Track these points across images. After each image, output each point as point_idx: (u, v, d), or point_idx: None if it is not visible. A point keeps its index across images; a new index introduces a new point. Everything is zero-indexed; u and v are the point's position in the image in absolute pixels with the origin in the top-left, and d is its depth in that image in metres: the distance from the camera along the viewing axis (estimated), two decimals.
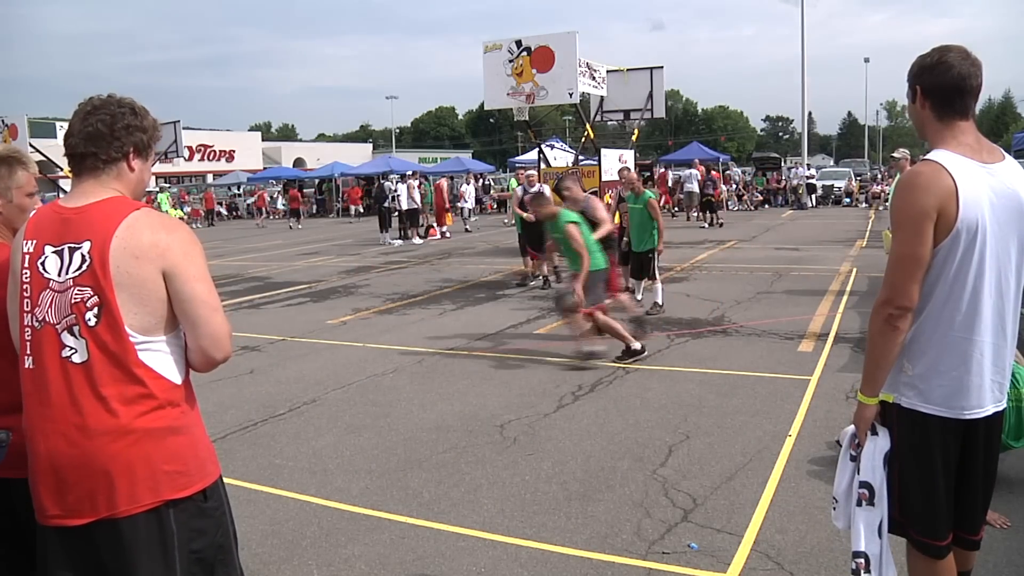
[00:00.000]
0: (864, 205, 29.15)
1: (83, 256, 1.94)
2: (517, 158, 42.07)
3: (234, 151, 52.31)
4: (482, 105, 22.16)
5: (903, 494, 2.37)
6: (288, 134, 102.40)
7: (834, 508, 2.55)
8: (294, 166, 49.61)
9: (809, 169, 32.35)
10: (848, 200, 30.68)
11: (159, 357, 1.99)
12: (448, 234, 22.12)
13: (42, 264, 1.97)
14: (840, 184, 31.74)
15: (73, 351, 1.94)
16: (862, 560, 2.36)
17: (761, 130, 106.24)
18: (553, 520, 3.92)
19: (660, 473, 4.46)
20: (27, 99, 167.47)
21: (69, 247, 1.96)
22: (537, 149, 17.40)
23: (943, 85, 2.26)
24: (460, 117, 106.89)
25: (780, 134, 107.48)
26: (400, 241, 20.91)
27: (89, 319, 1.93)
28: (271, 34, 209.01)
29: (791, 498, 4.07)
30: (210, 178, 48.39)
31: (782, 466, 4.49)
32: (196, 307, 2.00)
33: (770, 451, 4.73)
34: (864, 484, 2.38)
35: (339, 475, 4.61)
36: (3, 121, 23.82)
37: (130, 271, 1.93)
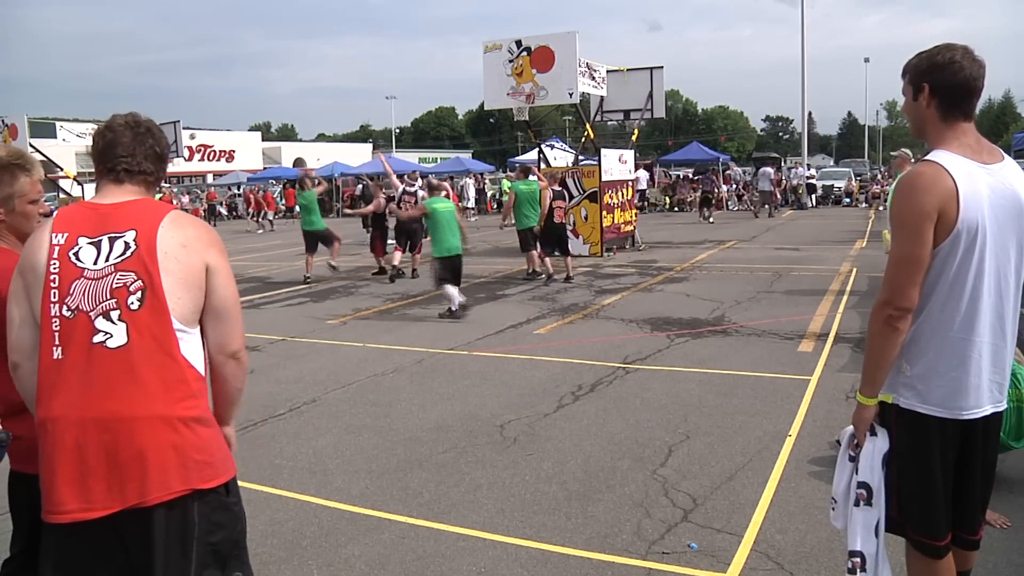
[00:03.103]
0: (864, 205, 29.15)
1: (127, 243, 1.99)
2: (517, 158, 42.07)
3: (234, 151, 52.30)
4: (482, 105, 22.18)
5: (902, 494, 2.37)
6: (288, 134, 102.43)
7: (833, 508, 2.55)
8: (294, 166, 49.52)
9: (809, 169, 32.37)
10: (848, 200, 30.69)
11: (192, 348, 2.04)
12: None
13: (75, 254, 1.99)
14: (840, 184, 31.75)
15: (108, 336, 1.94)
16: (858, 559, 2.37)
17: (761, 130, 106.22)
18: (553, 520, 3.92)
19: (660, 473, 4.46)
20: (27, 99, 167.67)
21: (110, 237, 2.01)
22: (537, 149, 17.43)
23: (954, 85, 2.24)
24: (460, 117, 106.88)
25: (780, 134, 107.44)
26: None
27: (132, 303, 1.96)
28: (271, 34, 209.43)
29: (791, 498, 4.07)
30: (210, 178, 48.39)
31: (782, 466, 4.49)
32: (229, 303, 2.10)
33: (770, 451, 4.73)
34: (862, 484, 2.38)
35: (339, 475, 4.61)
36: (3, 121, 23.83)
37: (178, 257, 2.01)
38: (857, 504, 2.39)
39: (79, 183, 17.89)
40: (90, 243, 2.00)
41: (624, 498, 4.15)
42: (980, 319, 2.25)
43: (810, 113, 62.61)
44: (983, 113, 72.35)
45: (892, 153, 9.22)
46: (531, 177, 12.91)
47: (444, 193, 10.13)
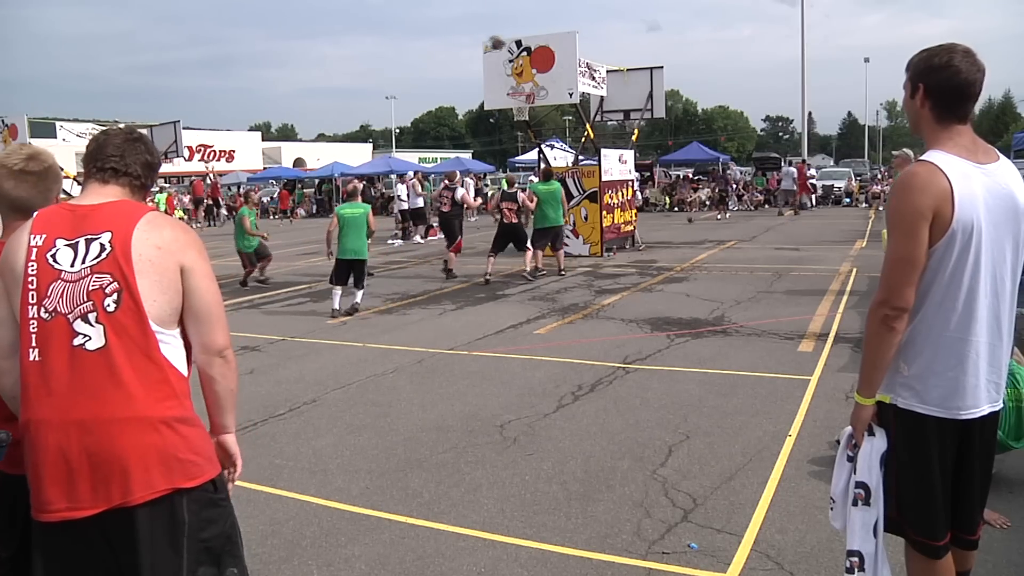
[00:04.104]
0: (864, 205, 29.14)
1: (102, 245, 2.00)
2: (517, 158, 42.10)
3: (234, 151, 52.29)
4: (482, 105, 22.18)
5: (900, 494, 2.37)
6: (288, 134, 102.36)
7: (832, 509, 2.55)
8: (294, 166, 49.58)
9: (809, 169, 32.37)
10: (848, 200, 30.68)
11: (173, 349, 2.05)
12: None
13: (52, 256, 2.00)
14: (840, 184, 31.74)
15: (87, 338, 1.95)
16: (856, 559, 2.37)
17: (761, 130, 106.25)
18: (553, 520, 3.92)
19: (660, 473, 4.46)
20: (27, 99, 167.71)
21: (86, 239, 2.02)
22: (537, 149, 17.42)
23: (948, 89, 2.24)
24: (460, 117, 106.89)
25: (780, 134, 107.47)
26: (400, 241, 20.91)
27: (108, 305, 1.97)
28: (271, 34, 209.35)
29: (791, 498, 4.07)
30: (210, 178, 48.38)
31: (782, 466, 4.49)
32: (208, 302, 2.10)
33: (770, 451, 4.73)
34: (860, 484, 2.38)
35: (339, 475, 4.61)
36: (3, 121, 23.85)
37: (152, 259, 2.02)
38: (855, 504, 2.39)
39: (79, 183, 17.89)
40: (67, 245, 2.01)
41: (624, 498, 4.15)
42: (977, 319, 2.25)
43: (810, 113, 62.54)
44: (983, 113, 72.25)
45: (894, 153, 9.24)
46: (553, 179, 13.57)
47: (357, 197, 10.65)
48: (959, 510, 2.39)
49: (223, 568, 2.10)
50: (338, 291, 9.96)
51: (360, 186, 11.70)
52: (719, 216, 25.14)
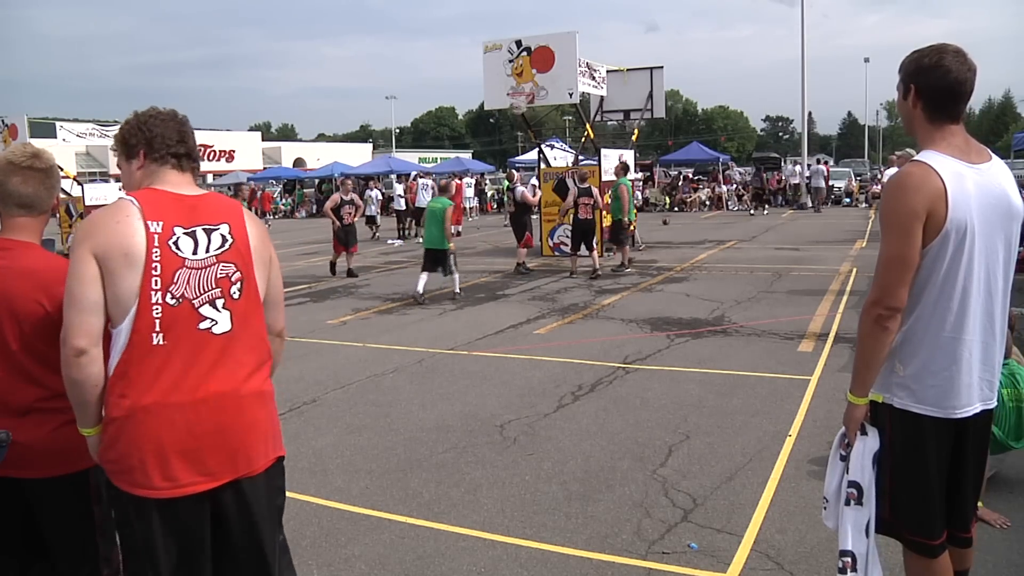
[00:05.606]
0: (864, 205, 29.14)
1: (223, 237, 2.12)
2: (517, 158, 42.07)
3: (234, 151, 52.25)
4: (482, 105, 22.18)
5: (895, 494, 2.38)
6: (288, 134, 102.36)
7: (824, 508, 2.56)
8: (294, 166, 49.57)
9: (809, 168, 32.36)
10: (848, 200, 30.68)
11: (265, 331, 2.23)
12: (460, 232, 22.34)
13: (174, 243, 2.06)
14: (840, 184, 31.71)
15: (214, 323, 2.06)
16: (848, 559, 2.37)
17: (761, 130, 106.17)
18: (553, 520, 3.92)
19: (660, 473, 4.46)
20: (27, 99, 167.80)
21: (204, 228, 2.10)
22: (537, 149, 17.43)
23: (939, 89, 2.25)
24: (460, 117, 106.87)
25: (780, 134, 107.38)
26: (400, 241, 20.92)
27: (234, 292, 2.10)
28: (271, 34, 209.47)
29: (791, 498, 4.07)
30: (210, 178, 48.40)
31: (782, 466, 4.49)
32: (280, 289, 2.33)
33: (770, 451, 4.73)
34: (853, 484, 2.39)
35: (339, 475, 4.61)
36: (3, 121, 23.84)
37: (259, 252, 2.20)
38: (848, 503, 2.40)
39: (79, 183, 17.86)
40: (185, 233, 2.07)
41: (624, 498, 4.15)
42: (971, 318, 2.26)
43: (810, 113, 62.30)
44: (983, 113, 72.38)
45: (896, 153, 9.26)
46: (629, 175, 14.32)
47: (450, 194, 11.63)
48: (953, 508, 2.40)
49: (278, 536, 2.24)
50: (423, 277, 10.65)
51: (448, 183, 12.43)
52: (753, 212, 26.29)
